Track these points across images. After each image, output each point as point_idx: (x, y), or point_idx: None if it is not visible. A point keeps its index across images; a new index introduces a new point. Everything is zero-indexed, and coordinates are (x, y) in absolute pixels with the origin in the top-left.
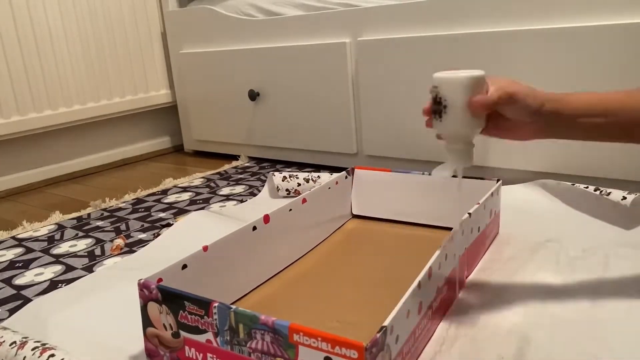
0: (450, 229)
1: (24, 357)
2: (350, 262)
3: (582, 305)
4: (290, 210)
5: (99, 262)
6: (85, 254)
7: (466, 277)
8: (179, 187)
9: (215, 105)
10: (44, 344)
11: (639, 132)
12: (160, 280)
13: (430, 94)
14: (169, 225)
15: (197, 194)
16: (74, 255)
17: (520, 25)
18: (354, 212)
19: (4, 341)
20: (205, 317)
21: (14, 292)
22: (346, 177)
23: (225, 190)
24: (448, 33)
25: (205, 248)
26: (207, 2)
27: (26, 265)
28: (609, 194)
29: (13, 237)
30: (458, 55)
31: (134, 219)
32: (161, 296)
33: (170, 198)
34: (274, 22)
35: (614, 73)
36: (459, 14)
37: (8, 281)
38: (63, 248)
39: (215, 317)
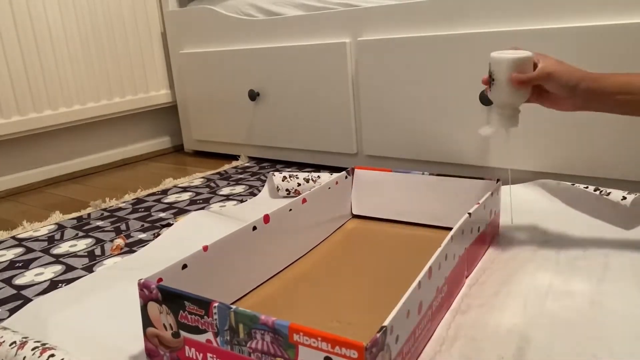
0: (450, 229)
1: (24, 357)
2: (350, 262)
3: (582, 305)
4: (290, 210)
5: (99, 262)
6: (85, 254)
7: (466, 277)
8: (179, 187)
9: (215, 105)
10: (44, 344)
11: None
12: (160, 280)
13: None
14: (169, 225)
15: (197, 194)
16: (74, 255)
17: (520, 25)
18: (354, 212)
19: (4, 341)
20: (205, 317)
21: (14, 292)
22: (346, 177)
23: (225, 190)
24: (448, 33)
25: (205, 248)
26: (207, 2)
27: (26, 265)
28: (609, 194)
29: (13, 237)
30: (458, 55)
31: (134, 219)
32: (161, 296)
33: (170, 198)
34: (274, 22)
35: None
36: (459, 14)
37: (8, 281)
38: (63, 248)
39: (215, 317)
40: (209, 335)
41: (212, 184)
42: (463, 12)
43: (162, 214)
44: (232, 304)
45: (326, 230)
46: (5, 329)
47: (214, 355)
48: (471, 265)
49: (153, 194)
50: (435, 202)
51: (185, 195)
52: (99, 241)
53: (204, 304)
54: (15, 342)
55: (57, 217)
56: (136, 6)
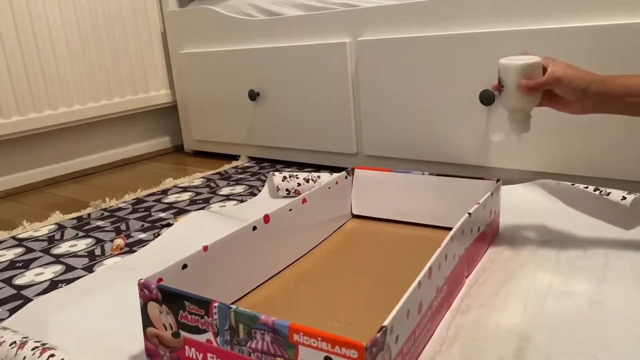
0: (450, 229)
1: (24, 357)
2: (350, 262)
3: (582, 305)
4: (290, 210)
5: (99, 262)
6: (86, 254)
7: (466, 277)
8: (179, 187)
9: (215, 105)
10: (44, 344)
11: None
12: (160, 280)
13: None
14: (169, 225)
15: (197, 194)
16: (74, 255)
17: (520, 25)
18: (354, 212)
19: (4, 341)
20: (205, 317)
21: (14, 292)
22: (346, 177)
23: (225, 190)
24: (448, 33)
25: (205, 248)
26: (207, 2)
27: (26, 265)
28: (609, 194)
29: (13, 237)
30: (458, 55)
31: (134, 219)
32: (161, 296)
33: (170, 198)
34: (274, 22)
35: (614, 73)
36: (459, 14)
37: (8, 281)
38: (63, 248)
39: (215, 317)
40: (209, 335)
41: (212, 184)
42: (463, 12)
43: (162, 214)
44: (232, 304)
45: (326, 230)
46: (5, 329)
47: (214, 355)
48: (471, 265)
49: (153, 194)
50: (435, 202)
51: (185, 195)
52: (99, 241)
53: (204, 304)
54: (15, 342)
55: (57, 217)
56: (136, 6)
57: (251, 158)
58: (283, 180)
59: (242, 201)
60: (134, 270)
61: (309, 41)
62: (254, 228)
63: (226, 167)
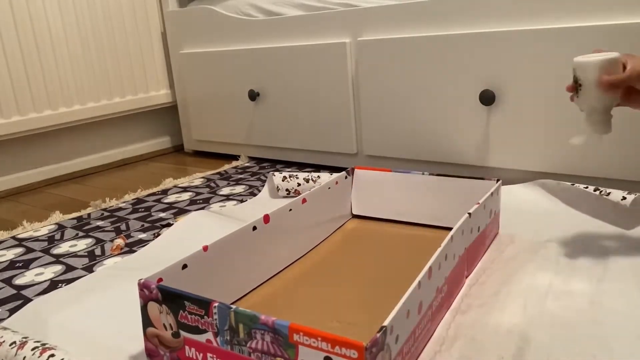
0: (450, 229)
1: (24, 357)
2: (350, 262)
3: (582, 305)
4: (290, 210)
5: (99, 262)
6: (86, 254)
7: (466, 277)
8: (179, 187)
9: (215, 105)
10: (44, 344)
11: None
12: (160, 280)
13: (572, 74)
14: (169, 225)
15: (197, 194)
16: (74, 255)
17: (520, 26)
18: (354, 212)
19: (4, 341)
20: (205, 317)
21: (14, 292)
22: (346, 177)
23: (225, 190)
24: (448, 33)
25: (205, 248)
26: (207, 2)
27: (26, 265)
28: (609, 194)
29: (13, 237)
30: (458, 55)
31: (134, 219)
32: (161, 296)
33: (170, 198)
34: (274, 22)
35: None
36: (459, 14)
37: (8, 281)
38: (63, 248)
39: (215, 317)
40: (209, 335)
41: (212, 184)
42: (463, 12)
43: (162, 214)
44: (232, 304)
45: (326, 230)
46: (5, 329)
47: (214, 355)
48: (471, 265)
49: (153, 194)
50: (435, 202)
51: (185, 195)
52: (99, 241)
53: (204, 304)
54: (15, 342)
55: (57, 217)
56: (136, 6)
57: (251, 158)
58: (283, 180)
59: (242, 201)
60: (134, 270)
61: (309, 41)
62: (254, 228)
63: (226, 167)
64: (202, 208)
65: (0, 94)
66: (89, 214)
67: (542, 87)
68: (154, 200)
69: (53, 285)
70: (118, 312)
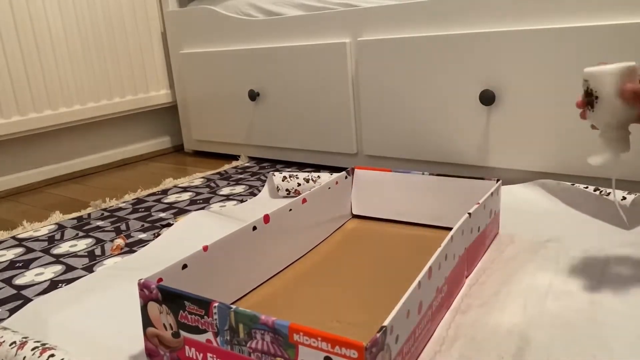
0: (450, 229)
1: (24, 357)
2: (350, 262)
3: (582, 305)
4: (290, 210)
5: (99, 262)
6: (86, 254)
7: (466, 277)
8: (179, 187)
9: (215, 105)
10: (44, 344)
11: None
12: (160, 280)
13: (582, 87)
14: (169, 225)
15: (197, 194)
16: (74, 255)
17: (520, 26)
18: (354, 212)
19: (4, 341)
20: (205, 317)
21: (14, 292)
22: (346, 177)
23: (225, 190)
24: (448, 33)
25: (205, 248)
26: (207, 2)
27: (26, 265)
28: (609, 194)
29: (13, 237)
30: (458, 55)
31: (134, 219)
32: (161, 296)
33: (171, 198)
34: (274, 22)
35: None
36: (459, 14)
37: (8, 281)
38: (63, 248)
39: (215, 317)
40: (209, 335)
41: (212, 184)
42: (463, 12)
43: (162, 214)
44: (232, 304)
45: (326, 230)
46: (5, 329)
47: (214, 355)
48: (471, 265)
49: (153, 194)
50: (435, 202)
51: (185, 195)
52: (99, 241)
53: (204, 304)
54: (15, 342)
55: (57, 217)
56: (136, 6)
57: (251, 158)
58: (283, 180)
59: (242, 201)
60: (134, 270)
61: (309, 41)
62: (254, 228)
63: (226, 167)
64: (202, 208)
65: (0, 94)
66: (89, 214)
67: (542, 87)
68: (154, 200)
69: (53, 285)
70: (118, 312)
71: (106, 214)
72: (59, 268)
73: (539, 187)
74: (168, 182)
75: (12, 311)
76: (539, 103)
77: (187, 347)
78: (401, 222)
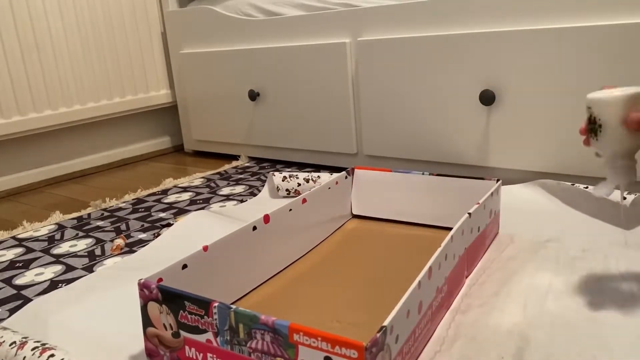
0: (450, 229)
1: (24, 357)
2: (350, 262)
3: (582, 305)
4: (290, 210)
5: (99, 262)
6: (86, 254)
7: (466, 277)
8: (179, 187)
9: (215, 105)
10: (44, 344)
11: None
12: (160, 280)
13: (585, 113)
14: (169, 225)
15: (197, 194)
16: (74, 255)
17: (520, 25)
18: (354, 212)
19: (4, 341)
20: (205, 317)
21: (14, 292)
22: (346, 177)
23: (225, 190)
24: (448, 33)
25: (205, 248)
26: (207, 2)
27: (26, 265)
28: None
29: (13, 237)
30: (458, 55)
31: (134, 219)
32: (161, 296)
33: (170, 198)
34: (274, 22)
35: (614, 73)
36: (459, 14)
37: (8, 281)
38: (63, 248)
39: (215, 317)
40: (209, 335)
41: (212, 184)
42: (463, 12)
43: (162, 214)
44: (232, 304)
45: (326, 230)
46: (5, 329)
47: (214, 355)
48: (471, 265)
49: (153, 194)
50: (435, 202)
51: (185, 195)
52: (99, 241)
53: (204, 304)
54: (15, 342)
55: (57, 217)
56: (136, 6)
57: (251, 158)
58: (283, 180)
59: (242, 201)
60: (134, 270)
61: (309, 41)
62: (254, 228)
63: (226, 167)
64: (202, 208)
65: (0, 94)
66: (89, 214)
67: (542, 87)
68: (154, 200)
69: (53, 285)
70: (118, 312)
71: (106, 214)
72: (59, 268)
73: (539, 187)
74: (168, 182)
75: (12, 311)
76: (539, 103)
77: (187, 347)
78: (401, 222)
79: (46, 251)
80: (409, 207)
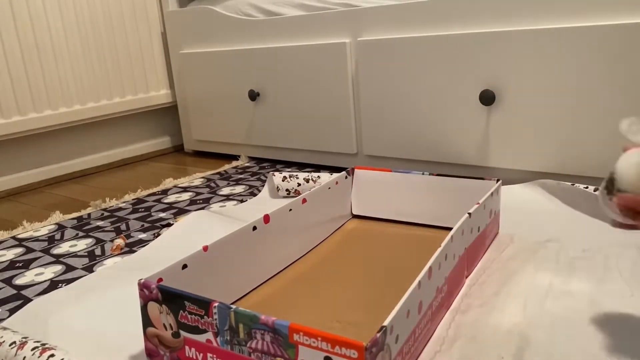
0: (450, 229)
1: (24, 357)
2: (350, 262)
3: (582, 305)
4: (290, 210)
5: (99, 262)
6: (86, 254)
7: (466, 277)
8: (179, 187)
9: (215, 105)
10: (44, 344)
11: None
12: (160, 280)
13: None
14: (169, 225)
15: (197, 194)
16: (74, 255)
17: (520, 25)
18: (354, 212)
19: (3, 341)
20: (205, 317)
21: (14, 292)
22: (346, 177)
23: (225, 190)
24: (448, 33)
25: (205, 248)
26: (207, 2)
27: (26, 265)
28: None
29: (13, 237)
30: (458, 55)
31: (134, 219)
32: (161, 296)
33: (170, 198)
34: (274, 22)
35: (615, 73)
36: (459, 14)
37: (8, 281)
38: (63, 248)
39: (215, 317)
40: (209, 335)
41: (212, 184)
42: (463, 12)
43: (162, 214)
44: (232, 304)
45: (326, 230)
46: (5, 329)
47: (214, 355)
48: (471, 265)
49: (153, 194)
50: (435, 202)
51: (185, 195)
52: (99, 241)
53: (204, 304)
54: (15, 342)
55: (57, 217)
56: (136, 6)
57: (251, 158)
58: (283, 180)
59: (242, 201)
60: (134, 270)
61: (309, 41)
62: (254, 228)
63: (226, 167)
64: (202, 208)
65: (0, 94)
66: (89, 214)
67: (542, 87)
68: (154, 200)
69: (53, 285)
70: (118, 312)
71: (106, 214)
72: (59, 268)
73: (539, 187)
74: (168, 182)
75: (12, 311)
76: (539, 103)
77: (187, 347)
78: (401, 222)
79: (46, 251)
80: (409, 207)
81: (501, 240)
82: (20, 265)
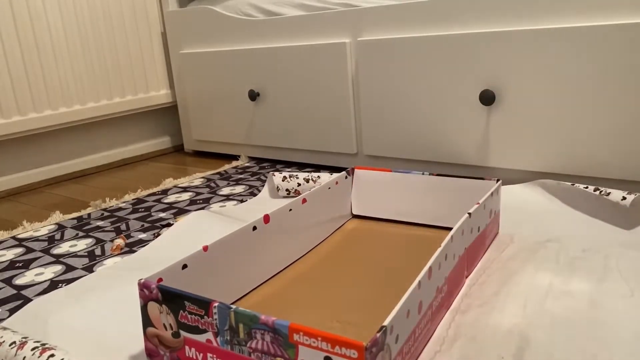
0: (450, 229)
1: (24, 357)
2: (350, 262)
3: (582, 305)
4: (290, 210)
5: (99, 262)
6: (86, 254)
7: (466, 277)
8: (179, 187)
9: (215, 105)
10: (44, 344)
11: None
12: (160, 280)
13: None
14: (169, 225)
15: (197, 194)
16: (74, 255)
17: (519, 25)
18: (354, 212)
19: (3, 341)
20: (205, 317)
21: (14, 292)
22: (346, 177)
23: (226, 190)
24: (448, 33)
25: (205, 248)
26: (207, 2)
27: (26, 265)
28: (609, 194)
29: (13, 237)
30: (458, 55)
31: (134, 219)
32: (161, 296)
33: (170, 198)
34: (274, 22)
35: (615, 73)
36: (459, 14)
37: (8, 281)
38: (63, 248)
39: (215, 317)
40: (209, 335)
41: (212, 184)
42: (463, 12)
43: (162, 214)
44: (232, 304)
45: (326, 230)
46: (5, 329)
47: (214, 355)
48: (471, 265)
49: (153, 194)
50: (435, 202)
51: (185, 195)
52: (99, 241)
53: (204, 304)
54: (15, 342)
55: (57, 217)
56: (136, 6)
57: (251, 158)
58: (283, 180)
59: (242, 201)
60: (134, 270)
61: (309, 41)
62: (254, 228)
63: (226, 167)
64: (202, 208)
65: (0, 94)
66: (89, 214)
67: (542, 87)
68: (154, 200)
69: (53, 285)
70: (118, 312)
71: (106, 214)
72: (59, 268)
73: (539, 187)
74: (168, 182)
75: (12, 311)
76: (539, 103)
77: (187, 347)
78: (401, 222)
79: (46, 251)
80: (409, 207)
81: (501, 240)
82: (20, 265)
